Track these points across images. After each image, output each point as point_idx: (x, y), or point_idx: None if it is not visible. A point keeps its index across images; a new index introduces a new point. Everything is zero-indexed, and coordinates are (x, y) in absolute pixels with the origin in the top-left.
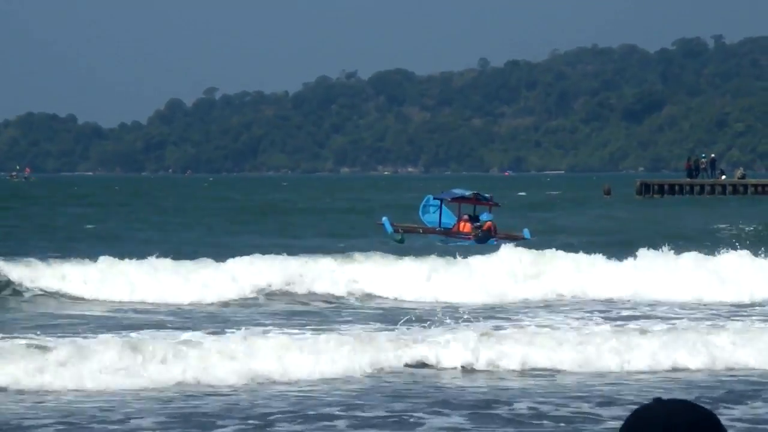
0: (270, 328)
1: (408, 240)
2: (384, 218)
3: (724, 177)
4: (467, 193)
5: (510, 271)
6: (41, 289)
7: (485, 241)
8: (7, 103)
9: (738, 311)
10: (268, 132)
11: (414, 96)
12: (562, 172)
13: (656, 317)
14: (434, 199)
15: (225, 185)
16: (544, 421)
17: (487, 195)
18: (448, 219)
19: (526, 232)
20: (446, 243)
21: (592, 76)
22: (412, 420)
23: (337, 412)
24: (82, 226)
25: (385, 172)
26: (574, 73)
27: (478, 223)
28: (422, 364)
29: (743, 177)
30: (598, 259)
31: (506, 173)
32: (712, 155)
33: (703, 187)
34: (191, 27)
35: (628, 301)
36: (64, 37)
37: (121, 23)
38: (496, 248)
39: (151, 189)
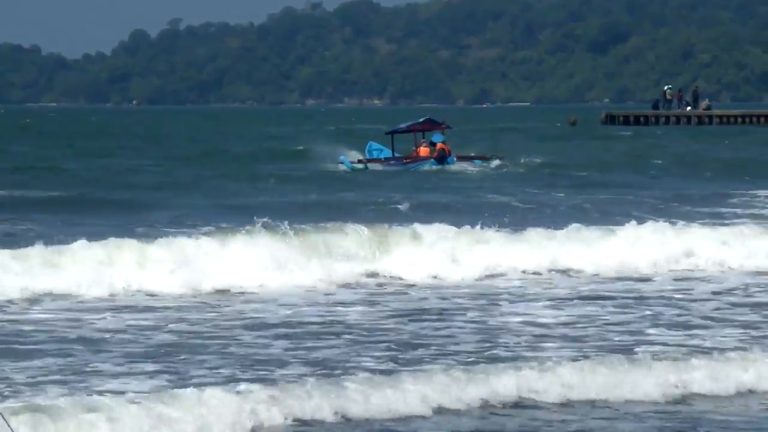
0: None
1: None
2: (342, 157)
3: (689, 108)
4: (420, 120)
5: None
6: None
7: (443, 160)
8: None
9: None
10: (233, 64)
11: (380, 28)
12: (528, 103)
13: None
14: (386, 133)
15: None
16: None
17: (438, 120)
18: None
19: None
20: (407, 168)
21: (558, 7)
22: None
23: None
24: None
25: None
26: (540, 4)
27: (432, 147)
28: None
29: (708, 108)
30: None
31: (485, 105)
32: (696, 86)
33: (668, 119)
34: None
35: None
36: None
37: None
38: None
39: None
